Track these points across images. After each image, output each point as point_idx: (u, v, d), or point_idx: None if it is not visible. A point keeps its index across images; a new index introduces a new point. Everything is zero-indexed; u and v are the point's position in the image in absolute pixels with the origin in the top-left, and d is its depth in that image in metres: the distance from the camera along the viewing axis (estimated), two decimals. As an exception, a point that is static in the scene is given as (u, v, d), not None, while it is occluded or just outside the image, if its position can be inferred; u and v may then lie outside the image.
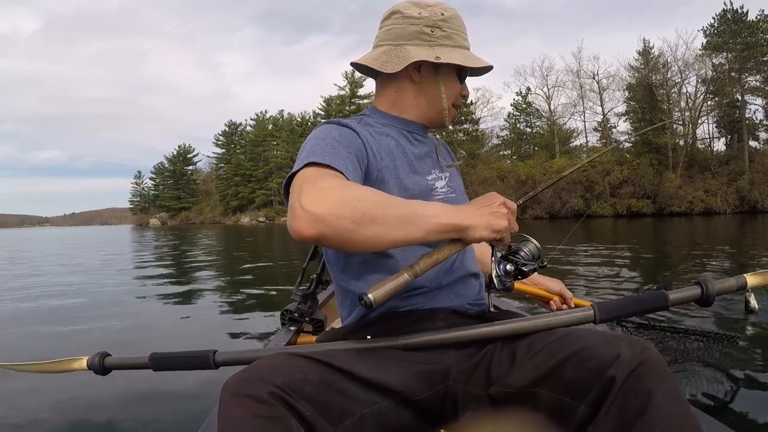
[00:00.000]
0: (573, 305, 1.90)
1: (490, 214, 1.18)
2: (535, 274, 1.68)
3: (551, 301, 1.91)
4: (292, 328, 2.28)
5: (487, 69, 1.52)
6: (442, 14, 1.46)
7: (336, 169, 1.16)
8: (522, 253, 1.36)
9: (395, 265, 1.34)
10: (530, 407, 1.13)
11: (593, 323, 1.26)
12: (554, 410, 1.09)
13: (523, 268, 1.33)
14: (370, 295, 1.07)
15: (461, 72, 1.50)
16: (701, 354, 2.43)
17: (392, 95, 1.53)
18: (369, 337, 1.31)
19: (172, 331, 5.14)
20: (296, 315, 2.30)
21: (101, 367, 1.53)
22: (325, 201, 1.02)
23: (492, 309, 1.48)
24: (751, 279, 1.35)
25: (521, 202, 1.37)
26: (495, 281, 1.30)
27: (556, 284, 1.91)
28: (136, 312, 6.23)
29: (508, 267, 1.32)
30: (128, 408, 2.87)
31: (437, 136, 1.67)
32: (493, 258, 1.33)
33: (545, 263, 1.36)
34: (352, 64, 1.55)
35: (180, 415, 2.73)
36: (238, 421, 0.92)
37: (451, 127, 1.61)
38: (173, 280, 9.43)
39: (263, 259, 13.52)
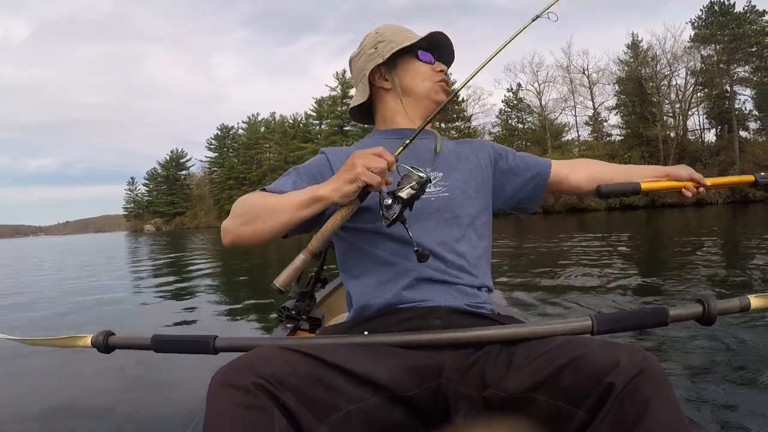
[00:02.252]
0: (709, 185, 1.67)
1: (343, 171, 1.31)
2: (658, 167, 1.76)
3: (684, 189, 1.66)
4: (290, 325, 2.28)
5: (440, 38, 1.70)
6: (376, 32, 1.70)
7: (271, 191, 1.48)
8: (409, 186, 1.30)
9: (386, 258, 1.48)
10: (526, 413, 1.14)
11: (591, 334, 1.26)
12: (551, 416, 1.09)
13: (400, 194, 1.29)
14: (276, 282, 1.28)
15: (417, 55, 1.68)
16: None
17: (381, 111, 1.74)
18: (366, 333, 1.36)
19: (173, 326, 5.22)
20: (294, 313, 2.29)
21: (105, 345, 1.56)
22: (230, 215, 1.42)
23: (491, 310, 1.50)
24: (755, 301, 1.33)
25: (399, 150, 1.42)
26: (383, 222, 1.31)
27: (683, 170, 1.68)
28: (140, 311, 6.30)
29: (387, 201, 1.30)
30: (127, 387, 2.97)
31: (430, 127, 1.72)
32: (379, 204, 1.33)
33: (424, 176, 1.31)
34: (350, 113, 1.83)
35: (177, 399, 2.82)
36: (222, 409, 0.96)
37: (443, 126, 1.71)
38: (174, 280, 9.48)
39: (258, 259, 13.54)
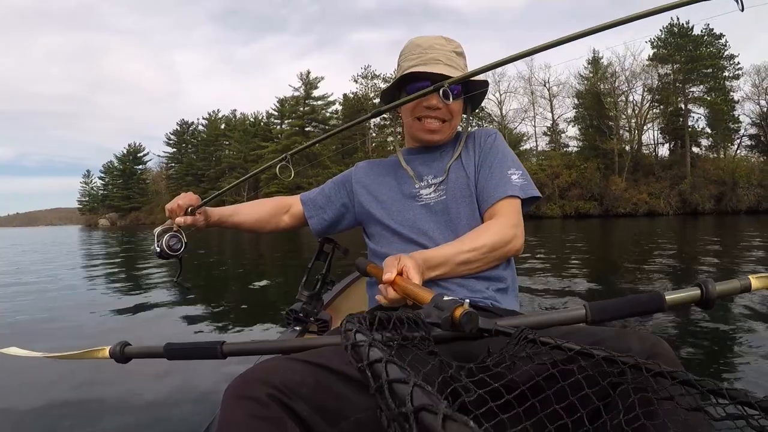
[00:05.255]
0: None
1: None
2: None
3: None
4: (297, 328, 2.25)
5: (429, 76, 1.59)
6: (405, 47, 1.71)
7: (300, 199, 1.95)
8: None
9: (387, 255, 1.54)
10: (537, 403, 1.06)
11: (585, 323, 1.22)
12: (563, 407, 1.03)
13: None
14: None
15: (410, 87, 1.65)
16: None
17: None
18: None
19: (182, 329, 5.09)
20: (301, 315, 2.25)
21: (122, 355, 1.60)
22: None
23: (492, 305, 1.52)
24: (756, 281, 1.27)
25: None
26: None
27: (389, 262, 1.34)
28: (145, 316, 5.96)
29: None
30: (142, 394, 3.02)
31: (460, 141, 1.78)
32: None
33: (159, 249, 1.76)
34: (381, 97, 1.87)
35: (190, 403, 2.86)
36: (236, 421, 0.96)
37: (430, 137, 1.71)
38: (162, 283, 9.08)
39: (245, 257, 13.32)
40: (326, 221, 1.91)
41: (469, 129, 1.80)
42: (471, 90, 1.69)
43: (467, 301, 0.88)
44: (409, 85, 1.64)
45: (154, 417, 2.74)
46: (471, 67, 1.70)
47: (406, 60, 1.65)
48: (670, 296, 1.21)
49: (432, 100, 1.61)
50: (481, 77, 1.59)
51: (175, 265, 1.84)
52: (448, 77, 1.53)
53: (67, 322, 5.37)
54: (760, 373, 3.12)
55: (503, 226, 1.55)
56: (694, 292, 1.23)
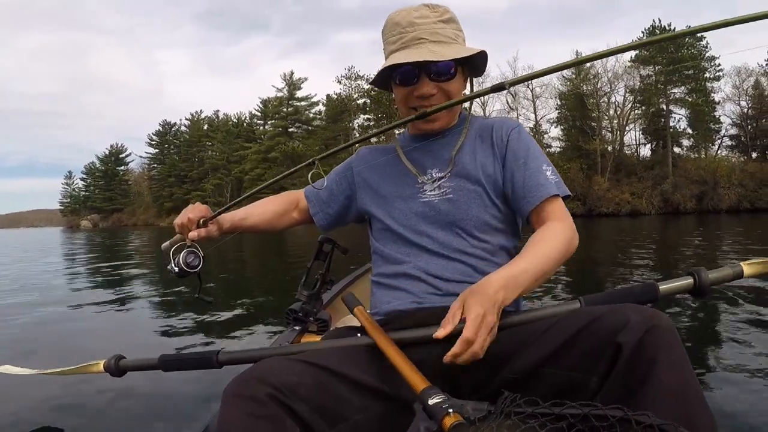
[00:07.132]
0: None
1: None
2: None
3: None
4: (297, 327, 2.25)
5: (415, 63, 1.45)
6: (385, 25, 1.53)
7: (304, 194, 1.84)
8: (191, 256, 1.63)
9: (391, 256, 1.55)
10: (536, 390, 1.09)
11: None
12: (564, 388, 1.06)
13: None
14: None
15: (405, 74, 1.49)
16: None
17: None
18: (359, 335, 1.36)
19: (178, 335, 4.95)
20: (300, 315, 2.25)
21: (117, 369, 1.62)
22: None
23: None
24: (748, 268, 1.29)
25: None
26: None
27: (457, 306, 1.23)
28: (142, 319, 5.93)
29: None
30: (139, 407, 2.93)
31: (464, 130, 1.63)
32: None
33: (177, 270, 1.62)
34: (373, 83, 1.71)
35: (188, 413, 2.79)
36: (235, 420, 0.96)
37: (431, 126, 1.58)
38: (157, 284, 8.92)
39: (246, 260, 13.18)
40: (332, 216, 1.80)
41: (477, 114, 1.70)
42: (470, 65, 1.55)
43: (452, 411, 0.87)
44: (395, 69, 1.48)
45: (154, 417, 2.72)
46: (466, 33, 1.56)
47: (387, 43, 1.51)
48: (664, 286, 1.23)
49: (423, 88, 1.47)
50: (476, 48, 1.47)
51: (192, 280, 1.73)
52: (434, 62, 1.43)
53: (57, 336, 5.20)
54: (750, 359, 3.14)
55: (566, 230, 1.43)
56: (687, 281, 1.26)
